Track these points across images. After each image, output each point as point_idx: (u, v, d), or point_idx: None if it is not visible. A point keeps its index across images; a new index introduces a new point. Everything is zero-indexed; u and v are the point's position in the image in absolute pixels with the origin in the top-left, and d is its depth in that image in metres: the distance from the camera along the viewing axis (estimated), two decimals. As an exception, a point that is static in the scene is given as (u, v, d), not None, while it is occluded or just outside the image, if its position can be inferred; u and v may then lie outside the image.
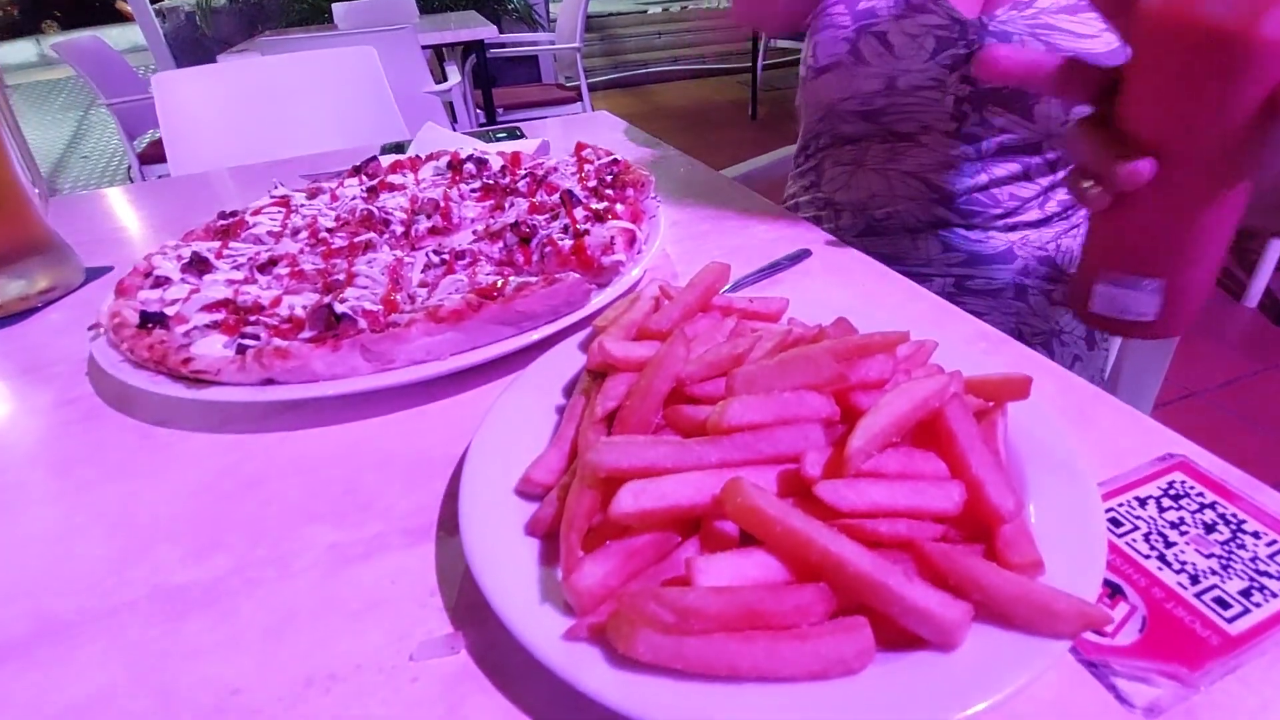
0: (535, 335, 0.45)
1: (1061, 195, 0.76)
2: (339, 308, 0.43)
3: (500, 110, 3.12)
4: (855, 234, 0.81)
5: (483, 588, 0.27)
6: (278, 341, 0.43)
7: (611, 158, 0.68)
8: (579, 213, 0.57)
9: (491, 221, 0.61)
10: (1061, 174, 0.75)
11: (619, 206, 0.59)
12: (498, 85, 3.24)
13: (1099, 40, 0.65)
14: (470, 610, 0.30)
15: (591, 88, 3.45)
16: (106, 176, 4.08)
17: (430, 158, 0.77)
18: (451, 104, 2.75)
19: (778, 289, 0.55)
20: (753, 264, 0.58)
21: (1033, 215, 0.76)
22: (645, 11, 5.16)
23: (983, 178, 0.74)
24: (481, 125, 3.10)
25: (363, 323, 0.44)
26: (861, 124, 0.77)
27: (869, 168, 0.78)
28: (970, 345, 0.45)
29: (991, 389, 0.33)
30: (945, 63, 0.70)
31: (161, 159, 2.68)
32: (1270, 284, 2.01)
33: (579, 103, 3.12)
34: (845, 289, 0.55)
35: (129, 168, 2.80)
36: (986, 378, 0.33)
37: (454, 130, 1.00)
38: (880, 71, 0.72)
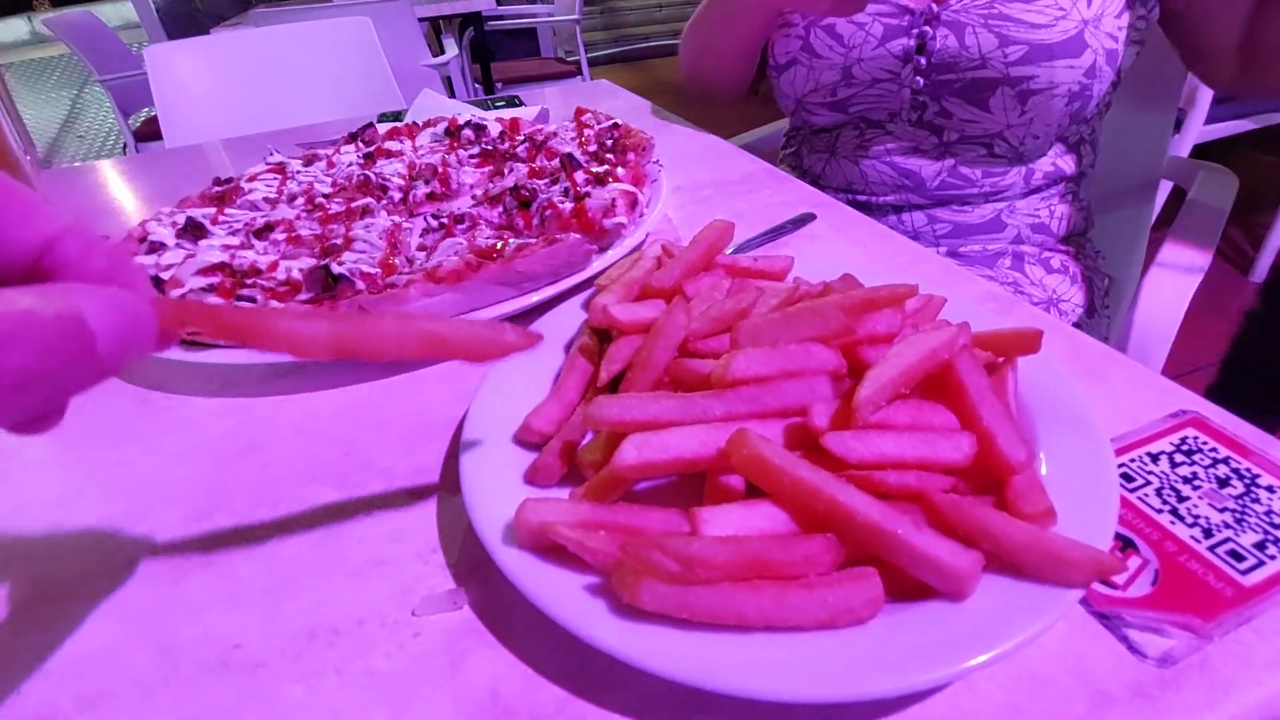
0: (535, 297, 0.44)
1: (1046, 167, 0.75)
2: (336, 269, 0.43)
3: (499, 84, 3.07)
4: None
5: (483, 538, 0.26)
6: (274, 304, 0.43)
7: (612, 122, 0.67)
8: (579, 176, 0.56)
9: (490, 187, 0.60)
10: (1036, 155, 0.75)
11: (620, 170, 0.57)
12: (496, 59, 3.18)
13: (1055, 29, 0.64)
14: (472, 567, 0.29)
15: (591, 61, 3.40)
16: (103, 154, 4.05)
17: (428, 124, 0.75)
18: (449, 78, 2.71)
19: (782, 251, 0.54)
20: (756, 228, 0.57)
21: (1016, 188, 0.76)
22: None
23: (950, 162, 0.74)
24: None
25: (360, 284, 0.44)
26: (830, 114, 0.78)
27: (842, 156, 0.80)
28: (980, 303, 0.44)
29: (1001, 343, 0.33)
30: (897, 53, 0.70)
31: (158, 135, 2.66)
32: (1278, 259, 1.98)
33: (578, 76, 3.07)
34: (851, 251, 0.54)
35: (125, 145, 2.77)
36: (997, 332, 0.33)
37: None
38: (835, 63, 0.73)
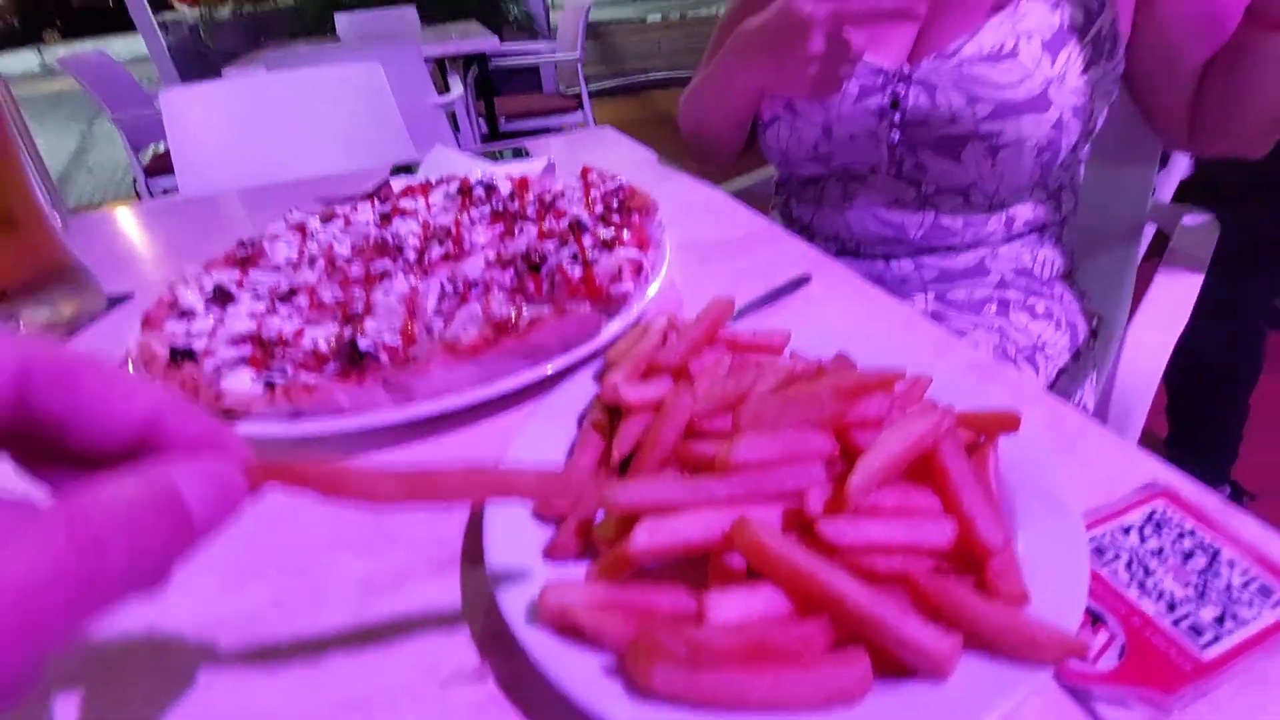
0: (549, 368, 0.47)
1: (1027, 215, 0.79)
2: (362, 343, 0.45)
3: (502, 119, 3.15)
4: (833, 255, 0.86)
5: (508, 620, 0.29)
6: (305, 376, 0.45)
7: (617, 184, 0.70)
8: (587, 241, 0.59)
9: (502, 248, 0.63)
10: (1014, 202, 0.78)
11: (626, 232, 0.61)
12: (499, 94, 3.27)
13: (1020, 88, 0.69)
14: (496, 638, 0.32)
15: (592, 94, 3.49)
16: (111, 189, 4.12)
17: (440, 182, 0.79)
18: (454, 114, 2.78)
19: (779, 316, 0.57)
20: (755, 289, 0.60)
21: (997, 235, 0.80)
22: (644, 20, 5.19)
23: (931, 214, 0.78)
24: (484, 136, 3.12)
25: (384, 357, 0.46)
26: (814, 166, 0.83)
27: (828, 207, 0.84)
28: (964, 374, 0.47)
29: (983, 423, 0.35)
30: (873, 110, 0.75)
31: (167, 171, 2.72)
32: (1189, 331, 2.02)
33: (580, 110, 3.15)
34: (843, 317, 0.57)
35: (135, 180, 2.83)
36: (978, 413, 0.35)
37: (457, 141, 1.03)
38: (815, 120, 0.78)
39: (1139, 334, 0.75)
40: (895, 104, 0.74)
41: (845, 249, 0.86)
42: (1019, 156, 0.72)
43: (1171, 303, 0.79)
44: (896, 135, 0.75)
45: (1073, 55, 0.69)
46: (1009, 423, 0.35)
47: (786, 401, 0.34)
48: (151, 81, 3.90)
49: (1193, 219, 0.90)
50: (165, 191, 2.74)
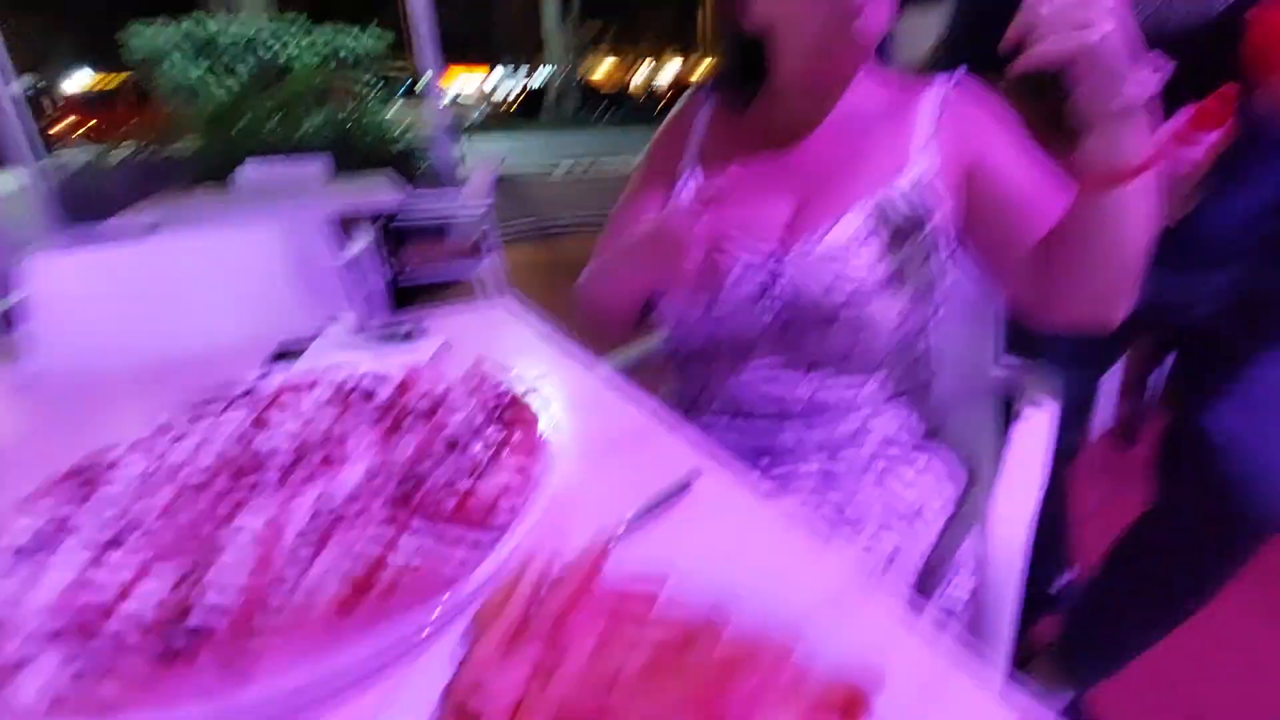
0: (421, 632, 0.43)
1: (896, 379, 0.87)
2: (192, 620, 0.41)
3: (410, 266, 3.18)
4: (724, 425, 0.89)
5: None
6: (124, 657, 0.40)
7: (504, 388, 0.70)
8: (467, 459, 0.58)
9: (382, 455, 0.61)
10: (883, 368, 0.86)
11: (507, 449, 0.60)
12: (408, 240, 3.32)
13: (871, 275, 0.78)
14: None
15: (502, 240, 3.62)
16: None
17: (320, 378, 0.77)
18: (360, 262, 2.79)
19: (662, 528, 0.57)
20: (640, 494, 0.60)
21: (874, 400, 0.87)
22: (550, 174, 5.59)
23: (813, 381, 0.85)
24: (390, 280, 3.12)
25: (223, 625, 0.42)
26: (703, 338, 0.88)
27: (716, 378, 0.89)
28: (839, 595, 0.47)
29: (842, 699, 0.35)
30: (752, 289, 0.82)
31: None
32: (1118, 409, 2.26)
33: (486, 258, 3.24)
34: (725, 526, 0.57)
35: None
36: (838, 688, 0.35)
37: (359, 292, 1.01)
38: (702, 298, 0.85)
39: (1005, 486, 0.80)
40: (772, 283, 0.81)
41: (739, 413, 0.90)
42: (878, 331, 0.81)
43: (1027, 454, 0.86)
44: (775, 309, 0.82)
45: (914, 245, 0.80)
46: (863, 699, 0.35)
47: (655, 689, 0.33)
48: (20, 222, 3.67)
49: (1035, 375, 1.01)
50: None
